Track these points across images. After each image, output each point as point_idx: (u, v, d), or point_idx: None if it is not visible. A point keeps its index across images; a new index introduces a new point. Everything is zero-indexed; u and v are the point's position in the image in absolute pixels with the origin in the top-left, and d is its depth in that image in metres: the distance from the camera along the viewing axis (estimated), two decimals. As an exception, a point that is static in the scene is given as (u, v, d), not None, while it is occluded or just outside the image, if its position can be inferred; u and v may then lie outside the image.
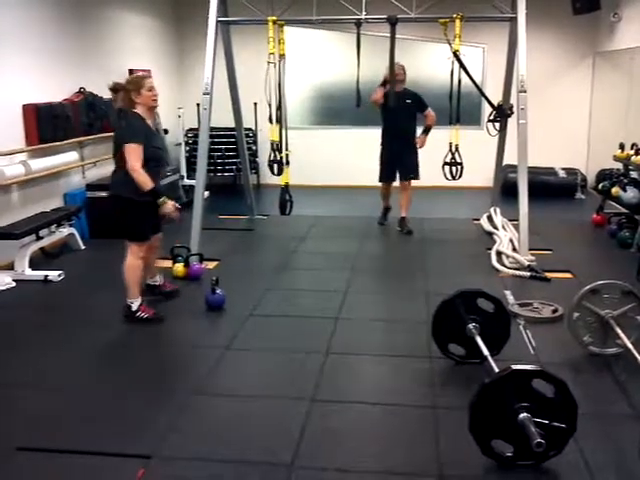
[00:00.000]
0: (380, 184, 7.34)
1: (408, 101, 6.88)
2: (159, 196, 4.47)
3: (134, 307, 4.58)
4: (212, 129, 6.70)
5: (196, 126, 8.40)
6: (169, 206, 4.50)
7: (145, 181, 4.34)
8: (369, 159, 7.40)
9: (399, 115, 6.77)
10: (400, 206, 7.26)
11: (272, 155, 6.57)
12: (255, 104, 8.87)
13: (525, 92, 5.94)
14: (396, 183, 7.28)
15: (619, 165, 7.23)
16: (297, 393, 3.53)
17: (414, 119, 7.04)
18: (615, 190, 7.00)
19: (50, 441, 3.08)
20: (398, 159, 7.06)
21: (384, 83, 6.77)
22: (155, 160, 4.55)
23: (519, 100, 5.97)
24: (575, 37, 9.54)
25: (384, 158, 7.16)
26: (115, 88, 4.50)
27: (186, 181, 8.85)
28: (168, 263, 5.58)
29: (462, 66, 6.24)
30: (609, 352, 3.90)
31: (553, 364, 3.66)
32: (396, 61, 6.59)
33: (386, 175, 7.21)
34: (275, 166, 6.58)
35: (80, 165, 7.02)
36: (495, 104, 6.64)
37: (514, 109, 6.31)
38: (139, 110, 4.47)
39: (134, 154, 4.31)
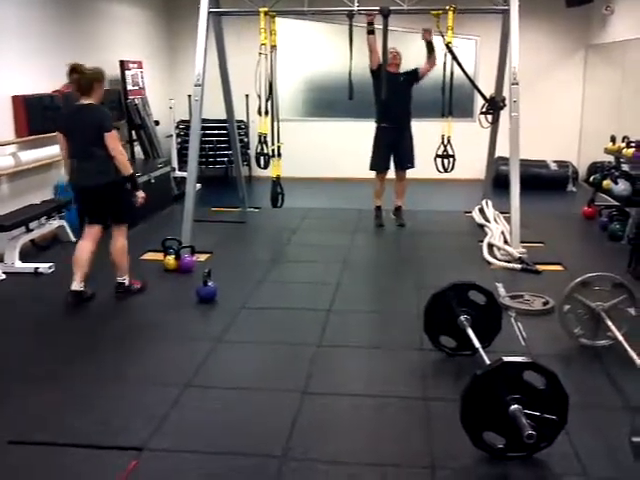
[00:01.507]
0: (372, 174, 7.18)
1: (402, 78, 6.77)
2: (135, 181, 4.79)
3: (126, 282, 4.89)
4: (203, 121, 6.66)
5: (187, 118, 8.40)
6: (141, 192, 4.81)
7: (128, 164, 4.65)
8: (362, 151, 7.37)
9: (394, 97, 6.52)
10: (395, 194, 7.24)
11: (259, 148, 6.53)
12: (247, 96, 8.83)
13: (517, 84, 5.94)
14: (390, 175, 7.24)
15: (610, 158, 7.25)
16: (289, 385, 3.53)
17: (409, 99, 6.88)
18: (606, 183, 7.01)
19: (42, 434, 3.07)
20: (394, 146, 6.96)
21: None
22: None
23: (511, 92, 5.97)
24: (567, 30, 9.54)
25: (379, 143, 7.00)
26: (74, 70, 4.52)
27: (177, 173, 8.81)
28: (159, 256, 5.56)
29: (455, 58, 6.22)
30: (600, 344, 3.92)
31: (544, 356, 3.68)
32: (393, 46, 6.58)
33: (381, 163, 7.05)
34: (262, 159, 6.55)
35: (70, 157, 6.97)
36: (487, 96, 6.63)
37: (506, 101, 6.31)
38: (94, 100, 4.59)
39: (117, 139, 4.61)
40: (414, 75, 6.83)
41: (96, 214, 4.83)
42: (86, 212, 4.93)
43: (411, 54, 6.78)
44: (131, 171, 4.66)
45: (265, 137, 6.48)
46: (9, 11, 5.96)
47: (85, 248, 4.76)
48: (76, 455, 2.91)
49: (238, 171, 7.90)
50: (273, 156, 6.60)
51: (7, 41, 5.95)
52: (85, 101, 4.57)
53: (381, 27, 6.25)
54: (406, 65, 6.89)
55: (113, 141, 4.53)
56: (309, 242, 6.59)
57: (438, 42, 6.29)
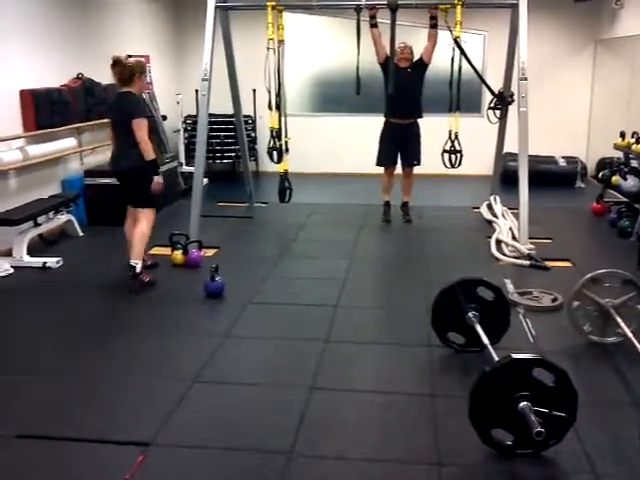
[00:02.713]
0: (380, 170, 7.14)
1: (410, 71, 6.69)
2: (157, 167, 5.02)
3: (138, 268, 4.93)
4: (211, 116, 6.65)
5: (195, 113, 8.39)
6: (160, 178, 5.00)
7: (151, 150, 4.89)
8: (369, 146, 7.34)
9: (403, 91, 6.46)
10: (402, 190, 7.22)
11: (271, 142, 6.53)
12: (254, 91, 8.82)
13: (526, 80, 5.91)
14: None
15: (619, 154, 7.20)
16: (296, 381, 3.52)
17: (419, 93, 6.80)
18: (615, 179, 6.98)
19: (49, 428, 3.07)
20: (401, 142, 6.92)
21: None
22: (150, 131, 5.12)
23: (520, 88, 5.94)
24: (576, 24, 9.47)
25: (385, 139, 6.97)
26: (116, 62, 4.88)
27: (185, 168, 8.81)
28: (167, 251, 5.56)
29: (463, 53, 6.19)
30: (609, 341, 3.90)
31: (553, 353, 3.65)
32: (403, 41, 6.55)
33: (388, 157, 7.00)
34: (275, 153, 6.54)
35: (78, 151, 6.98)
36: (496, 91, 6.61)
37: (515, 97, 6.27)
38: (134, 90, 4.91)
39: (144, 127, 4.84)
40: (420, 63, 6.73)
41: (126, 196, 5.18)
42: (121, 194, 5.22)
43: (419, 49, 6.73)
44: (153, 157, 4.91)
45: (277, 131, 6.46)
46: (16, 5, 5.96)
47: (128, 226, 5.18)
48: (84, 449, 2.91)
49: (245, 166, 7.89)
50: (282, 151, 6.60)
51: (14, 35, 5.95)
52: (124, 89, 4.90)
53: (385, 21, 6.22)
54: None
55: (139, 128, 4.80)
56: (316, 237, 6.58)
57: (446, 37, 6.24)
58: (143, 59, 5.01)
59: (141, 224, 5.01)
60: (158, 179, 4.99)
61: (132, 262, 4.94)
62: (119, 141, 5.00)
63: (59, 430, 3.05)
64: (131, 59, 5.01)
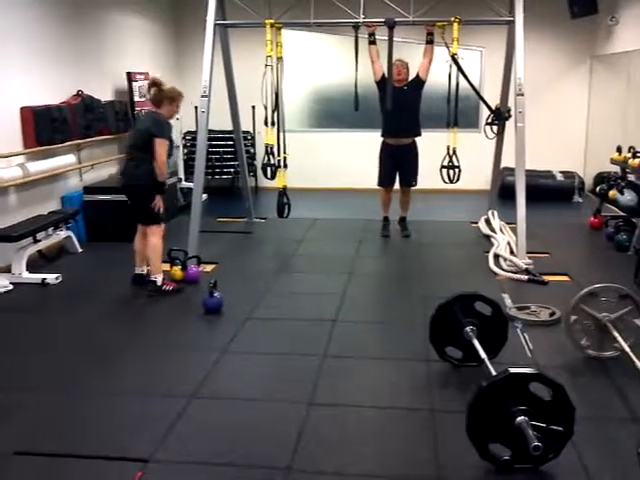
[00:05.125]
0: (379, 189, 7.23)
1: (406, 89, 6.71)
2: (163, 187, 5.22)
3: (159, 282, 5.16)
4: (210, 132, 6.71)
5: (194, 129, 8.45)
6: (159, 198, 5.18)
7: (166, 172, 5.15)
8: (367, 162, 7.40)
9: (399, 111, 6.53)
10: (400, 206, 7.26)
11: (266, 158, 6.57)
12: (253, 107, 8.88)
13: (523, 95, 5.95)
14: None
15: (616, 168, 7.24)
16: (295, 396, 3.52)
17: (416, 112, 6.82)
18: (612, 193, 7.01)
19: (47, 445, 3.07)
20: (399, 163, 6.97)
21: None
22: (169, 155, 5.23)
23: (517, 103, 5.99)
24: (572, 40, 9.55)
25: (384, 160, 7.04)
26: (153, 83, 5.21)
27: (184, 184, 8.84)
28: (166, 266, 5.57)
29: (460, 69, 6.24)
30: (606, 355, 3.91)
31: (550, 367, 3.66)
32: (400, 59, 6.60)
33: (386, 179, 7.09)
34: (269, 170, 6.58)
35: (78, 168, 7.01)
36: (493, 107, 6.65)
37: (512, 112, 6.32)
38: (163, 112, 5.15)
39: (164, 148, 5.00)
40: (417, 80, 6.74)
41: (134, 214, 5.33)
42: (130, 211, 5.39)
43: (416, 65, 6.78)
44: (165, 178, 5.21)
45: (272, 148, 6.52)
46: (17, 23, 6.01)
47: (137, 241, 5.36)
48: (82, 466, 2.91)
49: (244, 182, 7.93)
50: (279, 167, 6.64)
51: (15, 53, 5.99)
52: (154, 109, 5.18)
53: (383, 37, 6.28)
54: (411, 76, 6.89)
55: (160, 147, 4.98)
56: (315, 252, 6.60)
57: (443, 53, 6.29)
58: (180, 91, 5.27)
59: (151, 239, 5.18)
60: (158, 198, 5.15)
61: (152, 277, 5.18)
62: (134, 157, 5.13)
63: (58, 447, 3.05)
64: (168, 85, 5.27)
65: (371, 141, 7.28)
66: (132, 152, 5.17)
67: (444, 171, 6.63)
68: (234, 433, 3.17)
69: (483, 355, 3.47)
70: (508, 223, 6.88)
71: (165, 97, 5.15)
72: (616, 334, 3.75)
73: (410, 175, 7.02)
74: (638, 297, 3.86)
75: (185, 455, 2.98)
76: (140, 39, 8.91)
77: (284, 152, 6.66)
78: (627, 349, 3.63)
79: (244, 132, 8.34)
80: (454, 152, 6.56)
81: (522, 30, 6.04)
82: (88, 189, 6.95)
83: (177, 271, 5.48)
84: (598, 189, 7.55)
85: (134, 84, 8.11)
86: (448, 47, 6.14)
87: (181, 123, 9.15)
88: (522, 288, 5.39)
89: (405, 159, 6.95)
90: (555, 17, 9.04)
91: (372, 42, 6.52)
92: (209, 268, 5.87)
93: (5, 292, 5.27)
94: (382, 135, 6.99)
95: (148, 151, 5.00)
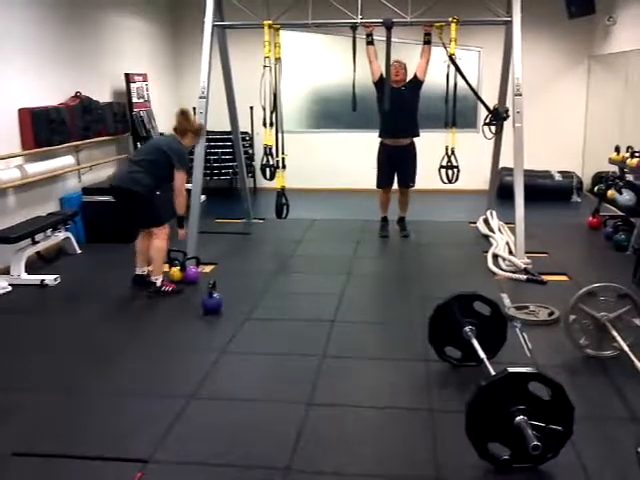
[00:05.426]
0: (378, 190, 7.21)
1: (404, 90, 6.69)
2: (183, 222, 5.37)
3: (159, 283, 5.20)
4: (208, 133, 6.70)
5: (192, 130, 8.41)
6: (183, 231, 5.41)
7: (184, 205, 5.28)
8: (366, 163, 7.40)
9: (397, 112, 6.53)
10: (399, 206, 7.25)
11: (264, 159, 6.57)
12: (251, 108, 8.87)
13: (521, 95, 5.96)
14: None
15: (615, 168, 7.24)
16: (294, 397, 3.52)
17: (414, 112, 6.80)
18: (611, 193, 7.01)
19: (46, 446, 3.07)
20: (397, 165, 6.96)
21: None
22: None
23: (515, 103, 5.99)
24: (570, 41, 9.56)
25: (382, 162, 7.03)
26: (182, 112, 5.35)
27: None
28: (165, 267, 5.57)
29: (458, 69, 6.24)
30: (605, 355, 3.91)
31: (549, 367, 3.66)
32: (397, 59, 6.60)
33: (385, 181, 7.08)
34: (267, 170, 6.58)
35: (76, 169, 7.01)
36: (491, 107, 6.65)
37: (510, 112, 6.32)
38: (185, 142, 5.33)
39: (183, 180, 5.20)
40: (415, 81, 6.73)
41: (133, 221, 5.45)
42: (126, 216, 5.57)
43: (414, 66, 6.78)
44: (184, 210, 5.32)
45: (270, 149, 6.52)
46: (15, 24, 6.01)
47: (139, 241, 5.40)
48: (81, 467, 2.91)
49: (243, 183, 7.93)
50: (278, 168, 6.64)
51: (13, 54, 5.99)
52: (177, 135, 5.32)
53: (381, 38, 6.28)
54: (409, 77, 6.89)
55: (179, 179, 5.16)
56: (314, 253, 6.60)
57: (441, 54, 6.29)
58: (204, 127, 5.63)
59: (156, 240, 5.23)
60: (181, 231, 5.38)
61: (153, 278, 5.20)
62: (140, 171, 5.11)
63: (56, 447, 3.05)
64: (197, 120, 5.61)
65: (369, 141, 7.28)
66: (140, 164, 5.15)
67: (443, 171, 6.64)
68: (233, 433, 3.17)
69: (482, 355, 3.47)
70: (507, 223, 6.88)
71: (191, 130, 5.31)
72: (615, 333, 3.76)
73: (408, 177, 7.02)
74: (637, 296, 3.87)
75: (184, 455, 2.98)
76: (138, 40, 8.91)
77: (282, 153, 6.66)
78: (626, 348, 3.64)
79: (242, 133, 8.34)
80: (452, 152, 6.57)
81: (520, 30, 6.04)
82: (87, 190, 6.94)
83: (176, 272, 5.48)
84: (596, 189, 7.54)
85: (132, 85, 8.10)
86: (446, 47, 6.15)
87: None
88: (521, 288, 5.40)
89: (403, 160, 6.94)
90: (553, 17, 9.05)
91: (370, 43, 6.52)
92: (208, 269, 5.87)
93: (4, 293, 5.27)
94: (380, 136, 6.98)
95: (160, 173, 5.13)
